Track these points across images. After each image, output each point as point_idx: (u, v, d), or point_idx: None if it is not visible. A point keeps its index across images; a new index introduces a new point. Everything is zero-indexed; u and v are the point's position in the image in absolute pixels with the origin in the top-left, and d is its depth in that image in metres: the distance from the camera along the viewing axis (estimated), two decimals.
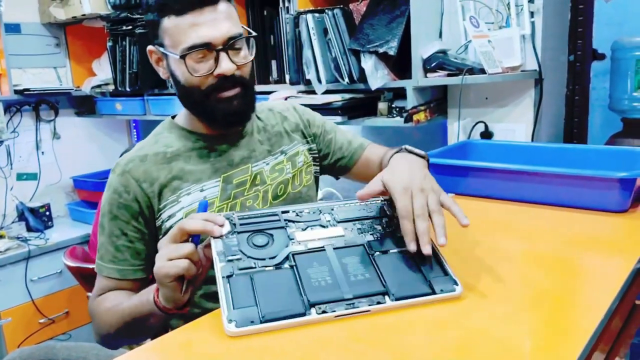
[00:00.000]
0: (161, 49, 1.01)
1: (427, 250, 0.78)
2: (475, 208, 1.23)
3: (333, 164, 1.24)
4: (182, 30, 0.96)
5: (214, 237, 0.80)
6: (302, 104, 1.29)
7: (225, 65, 0.97)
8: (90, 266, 2.20)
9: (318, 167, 1.24)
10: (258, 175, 1.09)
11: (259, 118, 1.17)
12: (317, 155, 1.23)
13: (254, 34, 1.05)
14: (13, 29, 2.75)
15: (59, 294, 2.70)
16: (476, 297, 0.77)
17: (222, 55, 0.97)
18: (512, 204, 1.22)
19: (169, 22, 0.97)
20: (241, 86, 1.01)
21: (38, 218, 2.80)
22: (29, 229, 2.78)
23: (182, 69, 0.98)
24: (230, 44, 0.97)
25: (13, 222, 2.82)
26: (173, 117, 1.13)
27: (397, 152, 1.00)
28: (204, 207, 0.87)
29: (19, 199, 2.86)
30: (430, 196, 0.82)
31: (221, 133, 1.08)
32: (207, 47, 0.96)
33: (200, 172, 1.04)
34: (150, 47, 1.04)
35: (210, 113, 1.02)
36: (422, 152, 0.99)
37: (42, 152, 2.96)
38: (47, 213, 2.85)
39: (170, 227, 0.99)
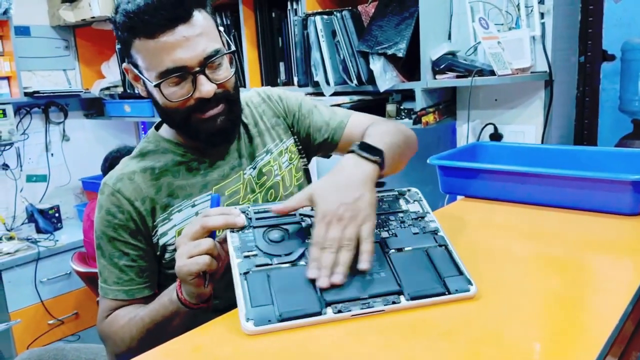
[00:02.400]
0: (136, 70, 0.95)
1: (322, 283, 0.74)
2: (485, 210, 1.23)
3: (317, 147, 1.17)
4: (154, 53, 0.89)
5: (235, 229, 0.81)
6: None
7: (204, 89, 0.91)
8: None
9: (305, 159, 1.18)
10: (248, 183, 1.05)
11: None
12: (301, 146, 1.17)
13: (233, 48, 0.98)
14: (23, 31, 2.77)
15: (68, 295, 2.72)
16: (489, 299, 0.76)
17: (200, 77, 0.91)
18: (522, 207, 1.22)
19: (140, 44, 0.90)
20: (225, 102, 0.96)
21: (47, 219, 2.82)
22: (39, 230, 2.80)
23: (159, 94, 0.93)
24: (207, 64, 0.91)
25: (23, 224, 2.84)
26: (157, 128, 1.08)
27: (350, 150, 0.89)
28: (216, 201, 0.87)
29: (29, 201, 2.88)
30: (348, 229, 0.77)
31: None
32: (182, 71, 0.90)
33: (190, 186, 1.00)
34: (125, 65, 0.98)
35: (194, 134, 0.98)
36: (374, 157, 0.87)
37: (52, 154, 2.99)
38: (57, 215, 2.87)
39: (165, 244, 0.98)
